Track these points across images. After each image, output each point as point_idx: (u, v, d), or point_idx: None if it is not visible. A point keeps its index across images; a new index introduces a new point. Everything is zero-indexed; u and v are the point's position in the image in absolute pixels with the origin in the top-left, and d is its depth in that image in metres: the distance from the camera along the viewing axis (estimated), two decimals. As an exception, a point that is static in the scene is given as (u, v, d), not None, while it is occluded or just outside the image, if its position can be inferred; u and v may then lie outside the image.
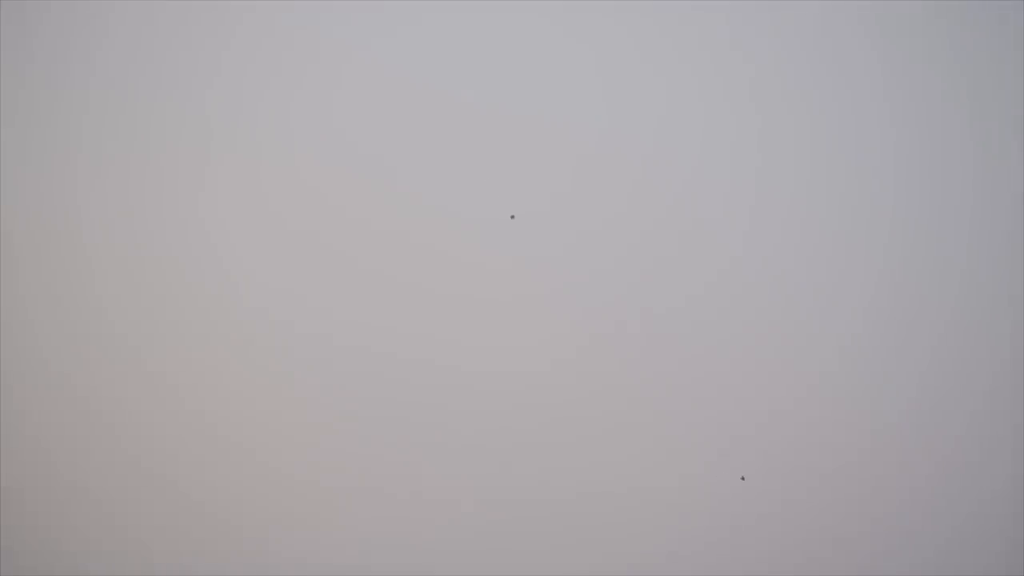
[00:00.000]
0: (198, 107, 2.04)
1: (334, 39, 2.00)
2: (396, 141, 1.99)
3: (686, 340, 1.92)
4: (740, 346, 1.91)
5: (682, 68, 1.91)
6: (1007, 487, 1.85)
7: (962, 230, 1.87)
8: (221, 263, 2.04)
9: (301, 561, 2.04)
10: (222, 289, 2.05)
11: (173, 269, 2.06)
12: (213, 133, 2.04)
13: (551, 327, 1.95)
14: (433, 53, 1.97)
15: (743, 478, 1.91)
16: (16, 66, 2.10)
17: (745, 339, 1.90)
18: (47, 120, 2.09)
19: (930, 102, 1.87)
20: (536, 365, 1.96)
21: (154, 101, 2.06)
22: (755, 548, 1.91)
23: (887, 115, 1.88)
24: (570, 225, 1.95)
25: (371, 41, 1.99)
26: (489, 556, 1.99)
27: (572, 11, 1.93)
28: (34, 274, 2.11)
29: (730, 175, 1.91)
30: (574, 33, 1.94)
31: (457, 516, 1.99)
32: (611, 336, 1.94)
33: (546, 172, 1.95)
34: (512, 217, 1.94)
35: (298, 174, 2.02)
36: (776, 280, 1.90)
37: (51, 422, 2.11)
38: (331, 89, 2.00)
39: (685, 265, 1.92)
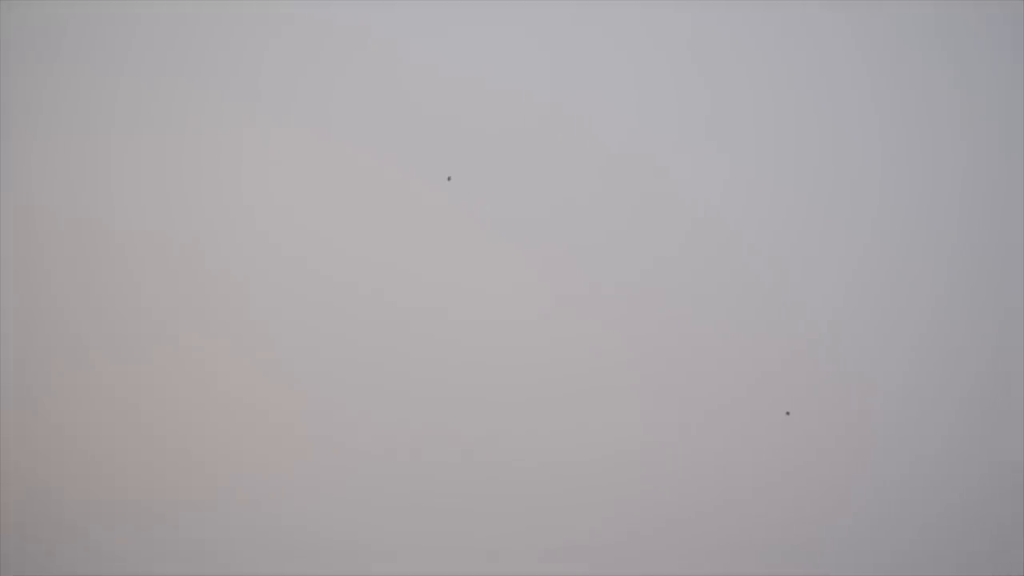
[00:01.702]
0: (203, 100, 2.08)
1: (335, 34, 2.03)
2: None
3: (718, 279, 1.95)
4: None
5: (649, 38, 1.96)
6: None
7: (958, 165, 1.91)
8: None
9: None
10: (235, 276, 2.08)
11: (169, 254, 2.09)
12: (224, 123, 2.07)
13: (578, 271, 1.98)
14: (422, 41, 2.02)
15: (788, 413, 1.93)
16: (46, 55, 2.11)
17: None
18: (76, 105, 2.11)
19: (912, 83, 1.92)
20: (570, 309, 1.99)
21: (176, 91, 2.08)
22: (799, 484, 1.93)
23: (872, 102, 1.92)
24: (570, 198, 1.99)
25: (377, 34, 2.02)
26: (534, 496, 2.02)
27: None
28: (65, 260, 2.12)
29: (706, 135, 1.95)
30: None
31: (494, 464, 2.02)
32: (661, 277, 1.97)
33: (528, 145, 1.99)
34: (448, 179, 1.96)
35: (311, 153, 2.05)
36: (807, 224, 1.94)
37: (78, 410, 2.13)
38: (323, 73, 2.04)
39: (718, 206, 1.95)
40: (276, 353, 2.06)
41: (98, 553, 2.11)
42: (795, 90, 1.91)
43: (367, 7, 2.01)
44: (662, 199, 1.95)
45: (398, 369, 2.03)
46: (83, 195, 2.11)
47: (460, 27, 1.99)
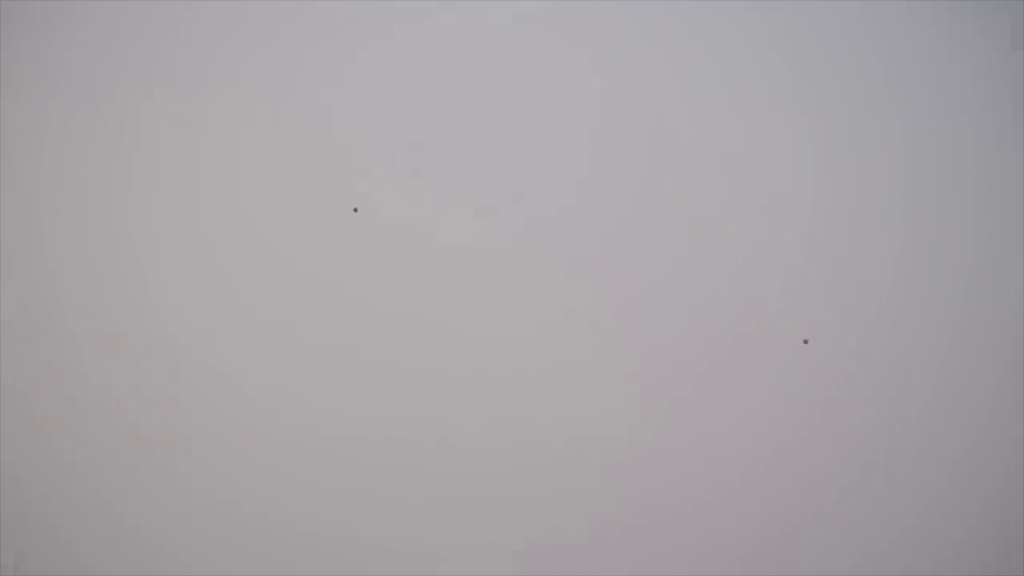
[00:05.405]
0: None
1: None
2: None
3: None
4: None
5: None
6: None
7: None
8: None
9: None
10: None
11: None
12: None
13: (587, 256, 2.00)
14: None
15: (806, 341, 1.90)
16: (45, 57, 2.14)
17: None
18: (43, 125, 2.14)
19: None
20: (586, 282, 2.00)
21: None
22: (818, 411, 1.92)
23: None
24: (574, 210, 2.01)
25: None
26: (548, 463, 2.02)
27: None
28: (62, 260, 2.14)
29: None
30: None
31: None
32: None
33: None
34: (355, 210, 1.97)
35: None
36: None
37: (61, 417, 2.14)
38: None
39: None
40: (266, 350, 2.08)
41: (95, 555, 2.12)
42: (791, 77, 1.96)
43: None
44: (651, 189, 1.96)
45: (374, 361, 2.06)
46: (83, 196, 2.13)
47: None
